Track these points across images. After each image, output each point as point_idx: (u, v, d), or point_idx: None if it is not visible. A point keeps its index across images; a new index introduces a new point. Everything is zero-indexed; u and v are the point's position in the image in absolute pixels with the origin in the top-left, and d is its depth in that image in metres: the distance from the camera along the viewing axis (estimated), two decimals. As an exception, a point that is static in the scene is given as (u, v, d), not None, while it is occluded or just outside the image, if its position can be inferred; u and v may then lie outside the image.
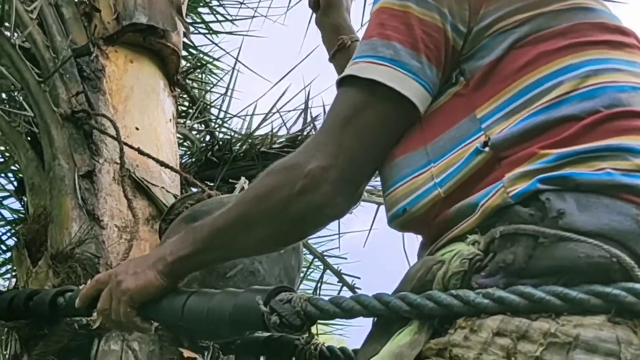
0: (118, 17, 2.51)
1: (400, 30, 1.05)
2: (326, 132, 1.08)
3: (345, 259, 3.56)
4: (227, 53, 3.84)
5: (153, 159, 2.28)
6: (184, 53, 3.23)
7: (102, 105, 2.34)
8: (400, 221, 1.07)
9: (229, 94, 3.64)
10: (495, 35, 1.03)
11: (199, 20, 4.00)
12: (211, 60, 3.93)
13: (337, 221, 3.38)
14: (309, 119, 3.19)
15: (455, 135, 1.02)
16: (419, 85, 1.04)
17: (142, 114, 2.44)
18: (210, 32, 3.98)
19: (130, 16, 2.50)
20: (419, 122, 1.06)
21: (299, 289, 2.99)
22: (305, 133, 3.12)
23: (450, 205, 0.99)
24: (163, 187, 2.27)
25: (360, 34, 1.26)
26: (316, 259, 3.54)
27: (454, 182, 0.99)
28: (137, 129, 2.37)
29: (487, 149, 0.97)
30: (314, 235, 3.49)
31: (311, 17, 3.71)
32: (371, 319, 1.05)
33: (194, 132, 3.27)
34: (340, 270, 3.39)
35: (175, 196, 2.24)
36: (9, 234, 3.15)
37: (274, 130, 3.12)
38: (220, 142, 3.06)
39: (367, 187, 3.21)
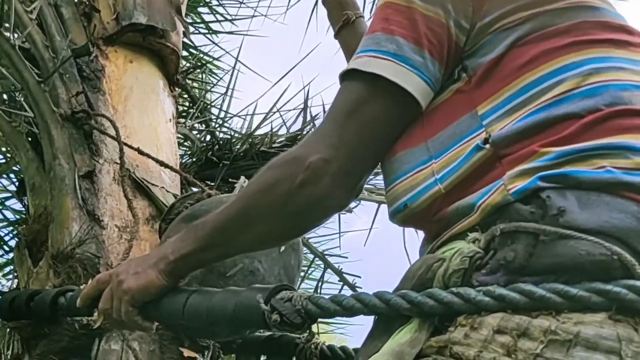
0: (117, 17, 2.51)
1: (404, 25, 1.06)
2: (328, 125, 1.08)
3: (346, 258, 3.57)
4: (227, 53, 3.85)
5: (153, 159, 2.28)
6: (184, 53, 3.23)
7: (101, 105, 2.34)
8: (402, 216, 1.07)
9: (229, 93, 3.64)
10: (497, 33, 1.03)
11: (198, 20, 4.00)
12: (211, 60, 3.93)
13: (338, 220, 3.39)
14: (308, 118, 3.20)
15: (456, 131, 1.02)
16: (421, 80, 1.04)
17: (142, 114, 2.43)
18: (210, 31, 3.98)
19: (130, 16, 2.50)
20: (420, 118, 1.06)
21: (299, 288, 2.99)
22: (304, 132, 3.12)
23: (450, 201, 0.99)
24: (163, 187, 2.27)
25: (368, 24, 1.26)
26: (317, 258, 3.54)
27: (455, 179, 0.99)
28: (137, 129, 2.37)
29: (487, 146, 0.97)
30: (314, 235, 3.51)
31: (311, 16, 3.74)
32: (372, 317, 1.05)
33: (194, 132, 3.26)
34: (341, 269, 3.39)
35: (175, 196, 2.24)
36: (11, 235, 3.15)
37: (274, 130, 3.13)
38: (221, 142, 3.06)
39: (368, 186, 3.22)
